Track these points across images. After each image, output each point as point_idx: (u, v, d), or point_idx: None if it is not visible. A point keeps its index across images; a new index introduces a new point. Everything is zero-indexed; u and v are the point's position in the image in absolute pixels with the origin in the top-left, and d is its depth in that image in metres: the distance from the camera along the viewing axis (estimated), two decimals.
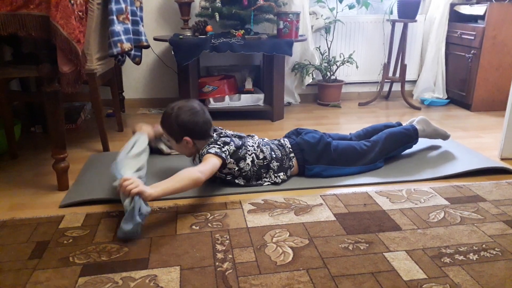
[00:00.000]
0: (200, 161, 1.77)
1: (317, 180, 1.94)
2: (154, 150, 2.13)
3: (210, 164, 1.70)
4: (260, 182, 1.89)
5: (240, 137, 1.90)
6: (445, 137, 2.32)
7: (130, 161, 1.72)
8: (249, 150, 1.85)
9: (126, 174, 1.58)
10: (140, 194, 1.46)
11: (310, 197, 1.80)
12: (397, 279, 1.26)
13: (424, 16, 3.57)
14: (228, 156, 1.77)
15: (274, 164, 1.89)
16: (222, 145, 1.78)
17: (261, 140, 1.98)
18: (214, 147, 1.77)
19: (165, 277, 1.27)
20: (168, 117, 1.82)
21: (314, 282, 1.24)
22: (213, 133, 1.87)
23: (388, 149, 2.09)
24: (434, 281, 1.25)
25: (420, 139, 2.21)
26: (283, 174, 1.92)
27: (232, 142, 1.82)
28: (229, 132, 1.91)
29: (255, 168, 1.86)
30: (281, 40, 2.84)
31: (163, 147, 2.19)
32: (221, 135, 1.87)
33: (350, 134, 2.24)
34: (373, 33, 3.54)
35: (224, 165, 1.77)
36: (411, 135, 2.16)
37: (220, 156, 1.73)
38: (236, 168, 1.82)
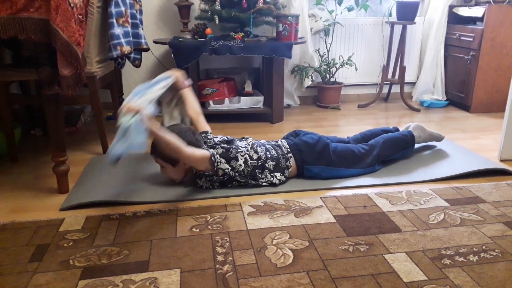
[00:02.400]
0: (197, 176, 1.87)
1: (316, 182, 1.95)
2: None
3: (199, 151, 1.77)
4: (257, 182, 1.89)
5: (228, 142, 1.92)
6: (439, 139, 2.34)
7: (149, 93, 1.72)
8: (241, 151, 1.85)
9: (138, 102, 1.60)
10: (142, 115, 1.48)
11: (310, 199, 1.80)
12: (397, 280, 1.27)
13: (423, 18, 3.58)
14: (217, 155, 1.80)
15: (270, 164, 1.90)
16: (209, 147, 1.86)
17: (256, 141, 1.99)
18: (204, 148, 1.84)
19: (166, 280, 1.27)
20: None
21: (314, 284, 1.24)
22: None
23: (385, 154, 2.10)
24: (435, 283, 1.25)
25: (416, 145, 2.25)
26: (280, 175, 1.92)
27: (219, 147, 1.86)
28: (217, 139, 1.95)
29: (249, 169, 1.86)
30: (280, 42, 2.84)
31: (166, 118, 2.09)
32: (209, 143, 1.91)
33: (348, 137, 2.25)
34: (372, 35, 3.55)
35: (212, 163, 1.79)
36: (408, 140, 2.18)
37: (208, 151, 1.79)
38: (229, 168, 1.82)
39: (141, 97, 1.64)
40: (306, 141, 1.97)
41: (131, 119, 1.43)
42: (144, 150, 1.52)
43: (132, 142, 1.44)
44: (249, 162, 1.86)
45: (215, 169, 1.80)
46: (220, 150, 1.83)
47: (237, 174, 1.84)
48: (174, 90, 2.04)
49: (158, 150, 1.84)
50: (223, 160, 1.81)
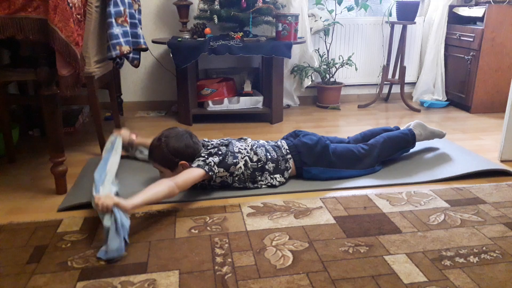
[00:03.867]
0: None
1: (316, 183, 1.94)
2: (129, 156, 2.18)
3: (186, 175, 1.69)
4: (256, 185, 1.88)
5: (226, 145, 1.88)
6: (441, 136, 2.32)
7: (111, 170, 1.72)
8: (241, 153, 1.84)
9: (105, 188, 1.57)
10: (117, 205, 1.42)
11: (310, 200, 1.79)
12: (398, 282, 1.26)
13: (423, 18, 3.57)
14: (215, 167, 1.75)
15: (270, 166, 1.89)
16: (206, 156, 1.79)
17: (256, 142, 1.98)
18: (198, 160, 1.78)
19: (164, 281, 1.26)
20: (157, 148, 1.81)
21: (314, 286, 1.24)
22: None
23: (386, 153, 2.09)
24: (435, 284, 1.25)
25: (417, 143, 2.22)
26: (280, 176, 1.91)
27: (218, 152, 1.81)
28: (215, 142, 1.92)
29: (249, 171, 1.85)
30: (280, 42, 2.83)
31: (139, 156, 2.18)
32: (208, 147, 1.88)
33: (348, 137, 2.24)
34: (372, 35, 3.54)
35: (209, 177, 1.76)
36: (408, 139, 2.16)
37: (203, 169, 1.72)
38: (228, 174, 1.81)
39: (104, 182, 1.61)
40: (305, 142, 1.96)
41: (112, 217, 1.41)
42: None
43: (126, 229, 1.44)
44: (249, 165, 1.84)
45: (214, 177, 1.78)
46: (216, 159, 1.77)
47: (236, 179, 1.83)
48: (128, 145, 2.11)
49: (155, 155, 1.83)
50: (221, 170, 1.77)
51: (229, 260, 1.36)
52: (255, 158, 1.86)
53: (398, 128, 2.28)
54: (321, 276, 1.28)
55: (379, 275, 1.29)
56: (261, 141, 2.01)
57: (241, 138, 1.99)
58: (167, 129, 1.89)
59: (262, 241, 1.47)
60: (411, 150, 2.24)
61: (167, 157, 1.79)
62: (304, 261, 1.35)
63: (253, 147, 1.89)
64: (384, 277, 1.28)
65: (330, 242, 1.47)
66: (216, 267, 1.32)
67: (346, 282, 1.26)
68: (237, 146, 1.87)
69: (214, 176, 1.75)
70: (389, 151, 2.11)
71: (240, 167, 1.81)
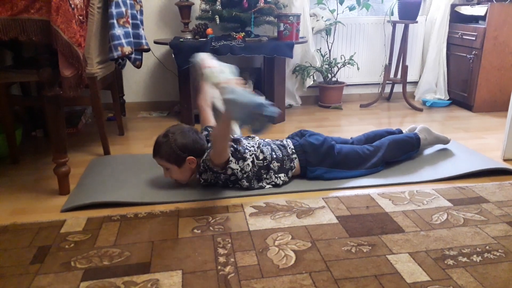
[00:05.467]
0: (203, 170, 1.84)
1: (319, 182, 1.94)
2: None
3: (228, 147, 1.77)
4: (261, 184, 1.88)
5: (234, 141, 1.89)
6: (445, 142, 2.32)
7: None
8: (249, 150, 1.85)
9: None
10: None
11: (312, 199, 1.79)
12: (401, 281, 1.26)
13: (425, 17, 3.56)
14: (230, 154, 1.78)
15: (275, 165, 1.89)
16: None
17: (262, 140, 1.98)
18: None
19: (167, 281, 1.26)
20: (164, 145, 1.81)
21: (317, 286, 1.24)
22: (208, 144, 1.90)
23: (390, 156, 2.08)
24: (438, 284, 1.24)
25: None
26: (284, 175, 1.91)
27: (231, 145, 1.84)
28: None
29: (255, 169, 1.85)
30: (281, 42, 2.83)
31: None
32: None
33: (351, 138, 2.24)
34: (374, 35, 3.54)
35: (226, 163, 1.77)
36: (413, 143, 2.16)
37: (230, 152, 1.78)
38: (238, 168, 1.81)
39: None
40: (311, 142, 1.96)
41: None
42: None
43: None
44: (255, 162, 1.85)
45: (226, 167, 1.78)
46: (230, 149, 1.81)
47: (244, 176, 1.83)
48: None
49: (162, 151, 1.83)
50: (233, 160, 1.79)
51: (232, 260, 1.36)
52: (261, 156, 1.87)
53: (400, 131, 2.28)
54: (323, 276, 1.28)
55: (382, 274, 1.29)
56: (267, 140, 2.02)
57: (249, 136, 1.99)
58: (172, 126, 1.89)
59: (265, 241, 1.47)
60: None
61: (175, 152, 1.80)
62: (306, 261, 1.36)
63: (260, 146, 1.90)
64: (387, 276, 1.28)
65: (333, 241, 1.47)
66: (219, 267, 1.33)
67: (349, 281, 1.26)
68: (245, 144, 1.88)
69: (229, 162, 1.77)
70: (394, 154, 2.10)
71: (248, 164, 1.82)
